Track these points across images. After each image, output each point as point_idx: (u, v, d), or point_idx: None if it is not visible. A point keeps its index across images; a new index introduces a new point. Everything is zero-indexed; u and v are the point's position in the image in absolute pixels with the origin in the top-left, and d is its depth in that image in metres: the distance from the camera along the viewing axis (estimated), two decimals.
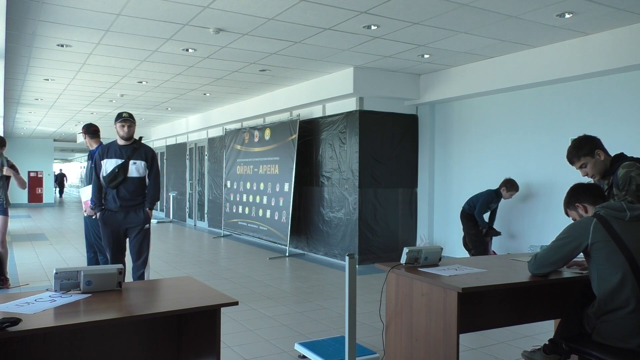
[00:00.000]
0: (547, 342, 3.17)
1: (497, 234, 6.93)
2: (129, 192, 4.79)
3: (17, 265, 7.70)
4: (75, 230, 12.65)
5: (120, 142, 4.86)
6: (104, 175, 4.80)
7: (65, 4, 4.89)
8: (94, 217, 5.46)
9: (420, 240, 8.37)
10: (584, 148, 3.17)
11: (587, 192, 2.85)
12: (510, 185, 6.65)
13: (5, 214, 6.15)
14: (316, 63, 7.25)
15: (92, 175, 4.93)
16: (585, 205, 2.82)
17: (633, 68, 5.53)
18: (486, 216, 6.91)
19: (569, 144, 3.29)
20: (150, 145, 18.09)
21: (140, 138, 5.07)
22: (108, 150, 4.86)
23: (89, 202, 5.28)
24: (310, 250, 9.04)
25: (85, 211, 5.52)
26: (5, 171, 6.06)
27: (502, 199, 6.79)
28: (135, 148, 4.85)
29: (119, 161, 4.79)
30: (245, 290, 6.24)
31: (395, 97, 8.06)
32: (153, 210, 5.03)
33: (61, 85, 9.02)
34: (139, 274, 4.81)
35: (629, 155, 3.21)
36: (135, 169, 4.81)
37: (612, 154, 3.23)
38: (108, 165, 4.79)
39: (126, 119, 4.77)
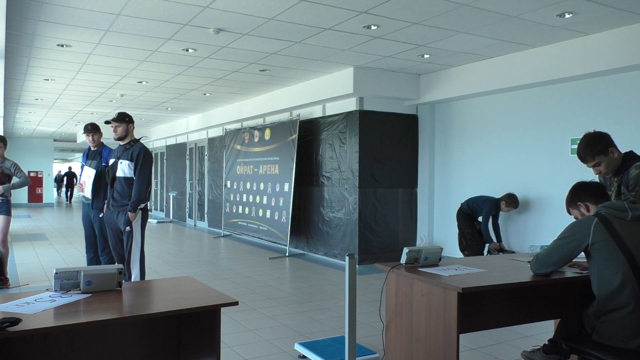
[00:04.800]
0: (546, 342, 3.17)
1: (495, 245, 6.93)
2: (118, 192, 4.85)
3: (17, 265, 7.69)
4: (75, 230, 12.65)
5: (121, 142, 4.99)
6: None
7: (65, 4, 4.89)
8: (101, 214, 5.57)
9: (420, 240, 8.36)
10: (597, 146, 3.09)
11: (590, 191, 2.84)
12: (510, 201, 6.66)
13: (8, 213, 6.14)
14: (316, 63, 7.25)
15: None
16: (588, 204, 2.81)
17: (633, 68, 5.53)
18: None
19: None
20: (150, 145, 18.14)
21: (139, 138, 5.07)
22: (115, 150, 5.09)
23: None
24: (310, 250, 9.03)
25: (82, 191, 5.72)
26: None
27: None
28: (126, 148, 4.90)
29: (113, 160, 4.96)
30: (245, 290, 6.24)
31: (395, 97, 8.06)
32: (150, 211, 5.02)
33: (61, 85, 9.02)
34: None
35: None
36: (121, 168, 4.83)
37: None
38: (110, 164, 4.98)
39: (109, 121, 4.91)
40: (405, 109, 8.38)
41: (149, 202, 5.00)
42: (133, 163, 4.80)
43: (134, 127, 5.01)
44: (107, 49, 6.52)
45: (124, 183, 4.82)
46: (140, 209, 4.77)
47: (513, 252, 6.79)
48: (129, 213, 4.72)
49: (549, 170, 6.56)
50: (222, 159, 12.16)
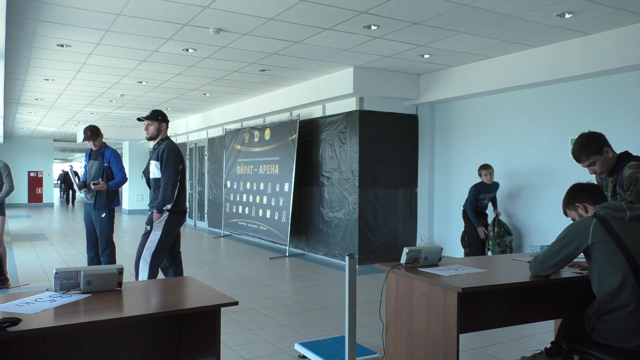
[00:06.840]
0: (548, 346, 3.17)
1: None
2: (151, 194, 4.70)
3: (17, 265, 7.70)
4: (75, 230, 12.65)
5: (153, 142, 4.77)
6: None
7: (65, 4, 4.89)
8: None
9: (420, 240, 8.37)
10: (592, 146, 3.12)
11: (587, 192, 2.84)
12: (480, 167, 6.70)
13: (2, 214, 6.14)
14: (316, 63, 7.25)
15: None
16: (586, 205, 2.81)
17: (633, 68, 5.53)
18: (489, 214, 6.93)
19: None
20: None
21: (168, 137, 4.76)
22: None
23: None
24: (310, 250, 9.04)
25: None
26: None
27: (494, 187, 6.81)
28: (155, 148, 4.71)
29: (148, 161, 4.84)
30: (245, 290, 6.24)
31: (395, 97, 8.06)
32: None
33: (61, 85, 9.02)
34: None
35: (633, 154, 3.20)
36: (152, 170, 4.66)
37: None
38: None
39: (142, 119, 4.71)
40: (405, 109, 8.38)
41: (186, 206, 4.76)
42: (159, 162, 4.54)
43: (167, 127, 4.74)
44: (107, 49, 6.52)
45: (154, 185, 4.64)
46: (168, 210, 4.49)
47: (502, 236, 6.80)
48: (153, 212, 4.50)
49: (549, 170, 6.56)
50: (222, 159, 12.17)
